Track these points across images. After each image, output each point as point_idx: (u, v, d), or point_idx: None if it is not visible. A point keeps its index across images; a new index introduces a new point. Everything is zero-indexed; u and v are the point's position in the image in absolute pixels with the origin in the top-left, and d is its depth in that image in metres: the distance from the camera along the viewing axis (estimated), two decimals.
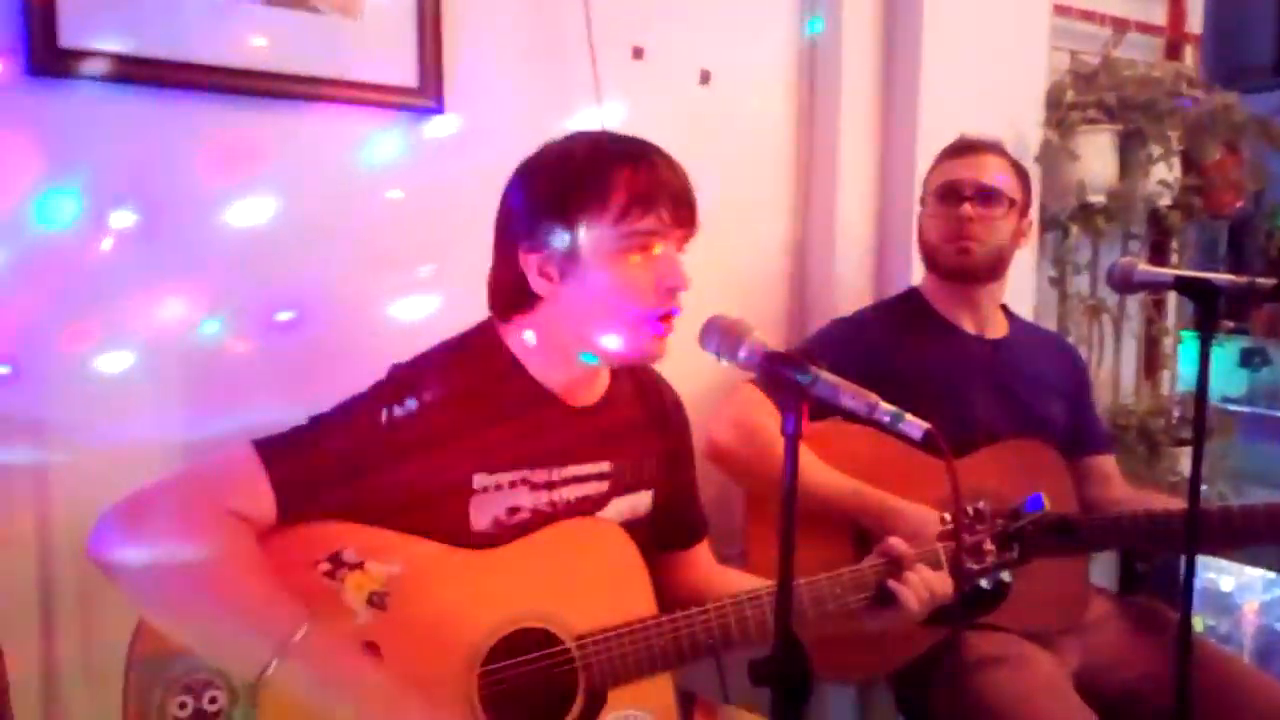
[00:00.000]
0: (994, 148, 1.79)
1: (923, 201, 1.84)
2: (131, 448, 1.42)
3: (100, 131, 1.39)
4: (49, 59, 1.33)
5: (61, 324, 1.39)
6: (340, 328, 1.58)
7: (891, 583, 1.30)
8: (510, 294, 1.21)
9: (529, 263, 1.17)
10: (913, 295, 1.86)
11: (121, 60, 1.38)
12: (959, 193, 1.74)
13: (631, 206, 1.14)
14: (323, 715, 1.03)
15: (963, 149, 1.79)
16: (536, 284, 1.17)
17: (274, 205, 1.52)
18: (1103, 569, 2.42)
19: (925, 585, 1.30)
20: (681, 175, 1.19)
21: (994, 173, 1.75)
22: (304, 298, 1.56)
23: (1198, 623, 1.38)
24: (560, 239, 1.15)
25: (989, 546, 1.38)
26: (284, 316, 1.55)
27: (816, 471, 1.57)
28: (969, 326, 1.79)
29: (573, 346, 1.20)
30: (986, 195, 1.73)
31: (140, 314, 1.44)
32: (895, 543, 1.33)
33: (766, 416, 1.60)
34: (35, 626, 1.39)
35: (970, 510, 1.39)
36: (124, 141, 1.41)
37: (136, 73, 1.40)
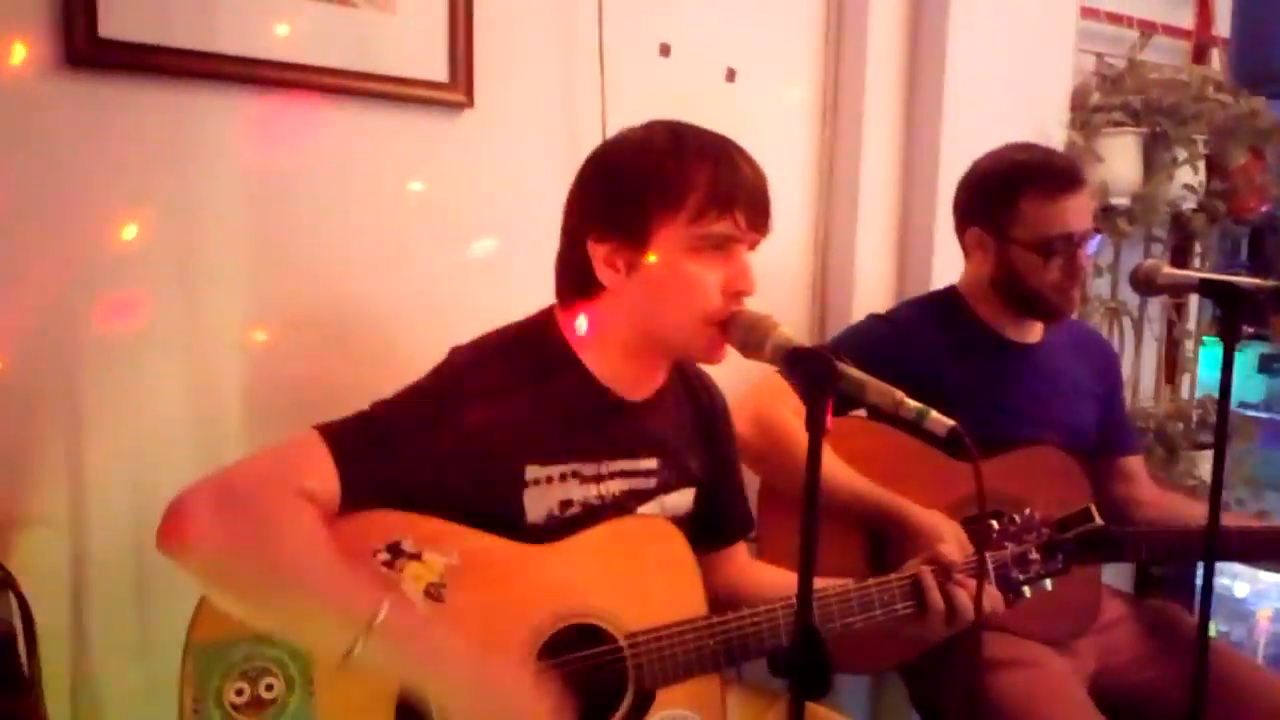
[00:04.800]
0: (1083, 174, 1.68)
1: (1002, 237, 1.66)
2: (166, 428, 1.45)
3: (137, 122, 1.41)
4: (89, 49, 1.35)
5: (95, 309, 1.40)
6: (370, 320, 1.60)
7: (938, 592, 1.27)
8: (574, 280, 1.19)
9: (596, 251, 1.15)
10: (952, 296, 1.79)
11: (159, 52, 1.40)
12: (1073, 243, 1.63)
13: (708, 207, 1.11)
14: (413, 688, 1.04)
15: (1066, 183, 1.63)
16: (602, 273, 1.15)
17: (306, 198, 1.54)
18: (1118, 571, 2.42)
19: (972, 597, 1.26)
20: (760, 175, 1.17)
21: (1090, 210, 1.68)
22: (333, 290, 1.58)
23: (1211, 628, 1.38)
24: (631, 231, 1.13)
25: (1034, 556, 1.39)
26: (309, 307, 1.56)
27: (835, 471, 1.56)
28: (1008, 333, 1.75)
29: (632, 340, 1.19)
30: (1087, 234, 1.65)
31: (173, 303, 1.46)
32: (945, 551, 1.31)
33: (787, 410, 1.60)
34: (66, 605, 1.41)
35: (1017, 518, 1.40)
36: (160, 132, 1.43)
37: (174, 64, 1.41)
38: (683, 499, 1.33)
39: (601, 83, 1.76)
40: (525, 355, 1.20)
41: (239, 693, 1.03)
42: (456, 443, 1.12)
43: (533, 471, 1.17)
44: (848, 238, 2.12)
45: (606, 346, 1.20)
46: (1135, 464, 1.88)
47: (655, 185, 1.12)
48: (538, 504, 1.17)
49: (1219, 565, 1.34)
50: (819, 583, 1.21)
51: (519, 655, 1.11)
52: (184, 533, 0.99)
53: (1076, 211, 1.63)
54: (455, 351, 1.21)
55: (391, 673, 1.03)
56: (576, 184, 1.20)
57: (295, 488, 1.04)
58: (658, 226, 1.12)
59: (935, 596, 1.27)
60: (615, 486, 1.23)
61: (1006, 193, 1.65)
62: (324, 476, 1.06)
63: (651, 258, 1.13)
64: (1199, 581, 1.34)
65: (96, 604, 1.43)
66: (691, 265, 1.13)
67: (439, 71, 1.61)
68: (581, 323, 1.19)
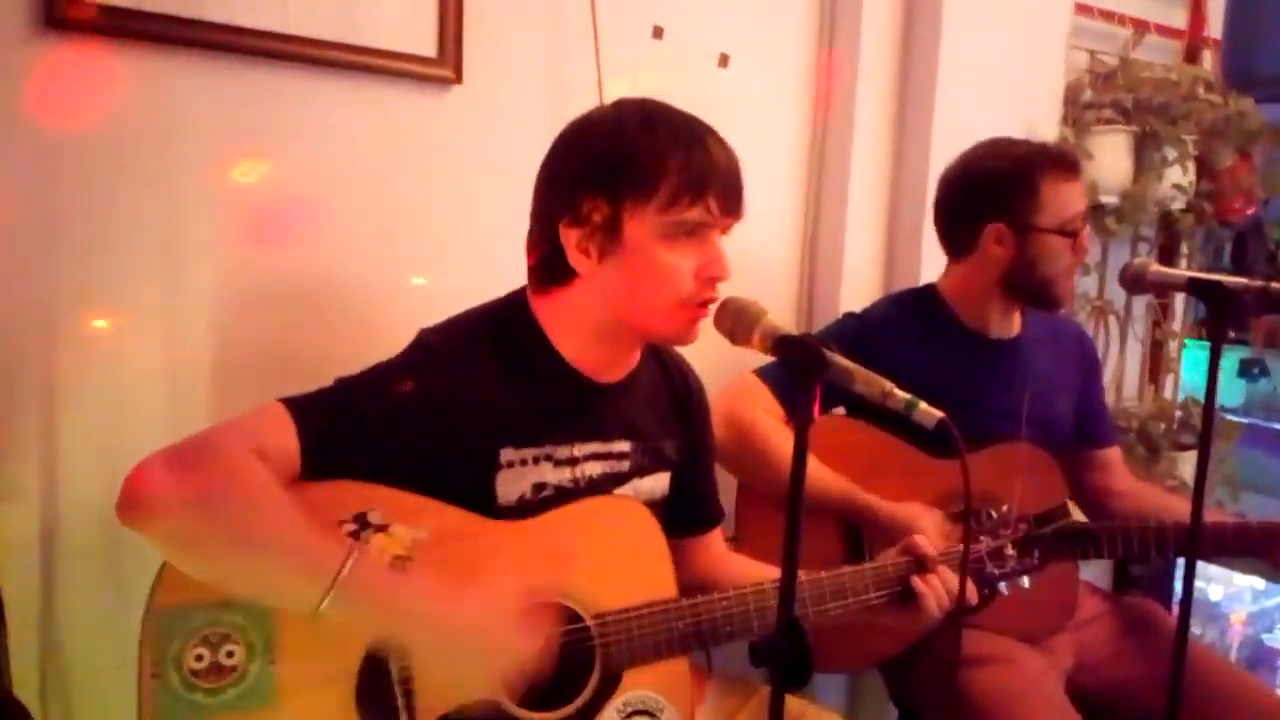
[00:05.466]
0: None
1: (1025, 228, 1.64)
2: (139, 404, 1.43)
3: (112, 88, 1.38)
4: (70, 13, 1.31)
5: (67, 282, 1.38)
6: (352, 297, 1.58)
7: (915, 580, 1.28)
8: (546, 265, 1.18)
9: (568, 237, 1.14)
10: (928, 295, 1.79)
11: (137, 16, 1.36)
12: (1084, 223, 1.67)
13: (681, 194, 1.11)
14: (386, 638, 1.05)
15: (1074, 165, 1.68)
16: (574, 259, 1.15)
17: (286, 171, 1.51)
18: (1097, 569, 2.44)
19: (947, 587, 1.28)
20: (733, 159, 1.16)
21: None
22: (315, 266, 1.56)
23: None
24: (604, 219, 1.12)
25: (1010, 552, 1.39)
26: (293, 283, 1.54)
27: (810, 471, 1.55)
28: (984, 330, 1.75)
29: (604, 324, 1.19)
30: (1087, 217, 1.69)
31: (149, 276, 1.43)
32: (920, 542, 1.31)
33: (761, 412, 1.60)
34: (35, 579, 1.39)
35: (993, 514, 1.39)
36: (136, 99, 1.39)
37: (151, 30, 1.38)
38: (657, 483, 1.32)
39: (597, 63, 1.74)
40: (496, 337, 1.19)
41: (199, 658, 1.02)
42: (424, 422, 1.12)
43: (507, 454, 1.17)
44: (837, 229, 2.11)
45: (579, 330, 1.20)
46: (1112, 455, 1.89)
47: (627, 171, 1.11)
48: (510, 486, 1.17)
49: (1196, 569, 1.34)
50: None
51: (497, 596, 1.09)
52: (141, 498, 0.99)
53: (1083, 192, 1.68)
54: (425, 332, 1.20)
55: (362, 624, 1.03)
56: (545, 167, 1.19)
57: (250, 447, 1.03)
58: (630, 213, 1.11)
59: (915, 584, 1.27)
60: (589, 470, 1.23)
61: (1026, 181, 1.64)
62: (283, 441, 1.06)
63: (624, 244, 1.12)
64: (1178, 581, 1.34)
65: (66, 576, 1.41)
66: (664, 252, 1.13)
67: (428, 46, 1.59)
68: (562, 310, 1.19)
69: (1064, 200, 1.64)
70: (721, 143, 1.16)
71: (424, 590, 1.05)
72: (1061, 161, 1.66)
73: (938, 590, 1.27)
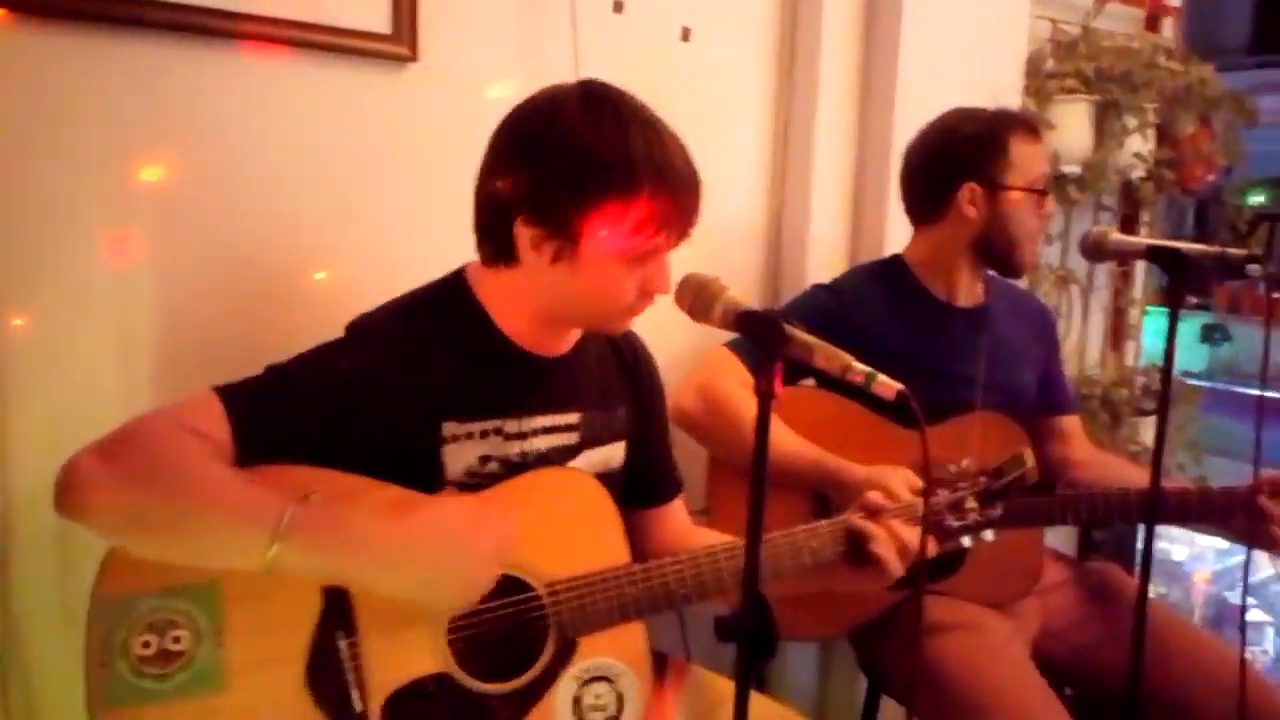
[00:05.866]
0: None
1: (996, 187, 1.69)
2: (89, 396, 1.40)
3: (53, 70, 1.34)
4: None
5: (7, 270, 1.34)
6: (305, 280, 1.55)
7: (864, 525, 1.27)
8: (493, 244, 1.18)
9: (523, 232, 1.13)
10: (895, 264, 1.82)
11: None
12: (1043, 185, 1.72)
13: (647, 225, 1.11)
14: (347, 582, 1.05)
15: (1034, 128, 1.75)
16: (524, 253, 1.14)
17: (236, 153, 1.48)
18: (1061, 536, 2.47)
19: (899, 537, 1.26)
20: (697, 183, 1.16)
21: None
22: (265, 251, 1.52)
23: (1149, 590, 1.43)
24: (565, 228, 1.11)
25: (971, 504, 1.37)
26: (247, 266, 1.51)
27: (779, 436, 1.56)
28: (951, 298, 1.77)
29: (541, 312, 1.20)
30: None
31: (93, 262, 1.39)
32: (873, 496, 1.31)
33: (734, 384, 1.60)
34: None
35: (953, 469, 1.38)
36: (77, 81, 1.35)
37: (95, 9, 1.34)
38: (611, 453, 1.32)
39: (574, 41, 1.71)
40: (434, 315, 1.20)
41: (145, 645, 1.02)
42: (359, 399, 1.11)
43: (450, 428, 1.17)
44: (802, 201, 2.10)
45: (518, 311, 1.21)
46: (1071, 424, 1.91)
47: (598, 193, 1.10)
48: (456, 460, 1.17)
49: (1159, 530, 1.36)
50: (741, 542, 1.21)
51: (416, 658, 1.10)
52: (74, 485, 1.00)
53: (1045, 156, 1.75)
54: (359, 317, 1.20)
55: (316, 562, 1.02)
56: (504, 147, 1.16)
57: (184, 427, 1.04)
58: (592, 230, 1.11)
59: (864, 527, 1.26)
60: (539, 444, 1.24)
61: (996, 141, 1.70)
62: (213, 425, 1.06)
63: (578, 256, 1.13)
64: (1140, 545, 1.36)
65: (21, 571, 1.38)
66: (615, 269, 1.14)
67: (381, 23, 1.56)
68: (502, 289, 1.20)
69: (1030, 160, 1.70)
70: (690, 163, 1.16)
71: (373, 516, 1.05)
72: (1026, 123, 1.74)
73: (892, 538, 1.25)
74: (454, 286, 1.23)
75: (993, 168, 1.69)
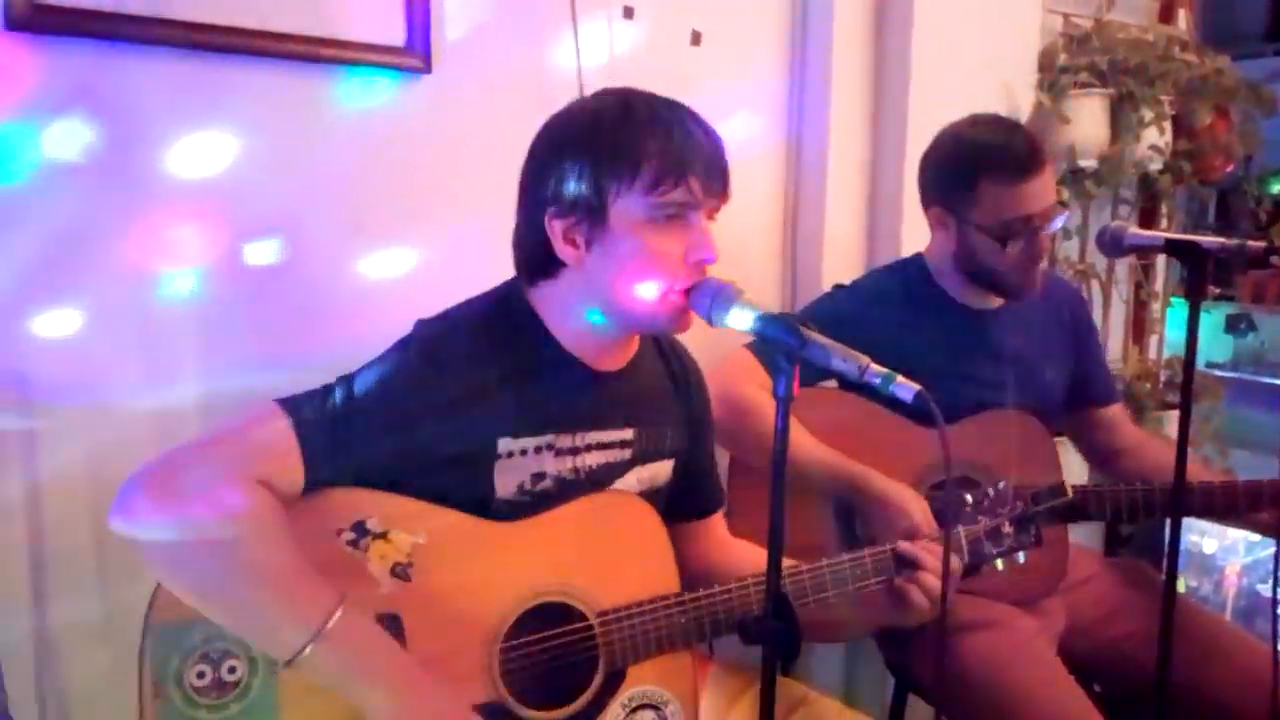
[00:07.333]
0: (1046, 153, 1.62)
1: (966, 221, 1.62)
2: (120, 407, 1.42)
3: (79, 88, 1.37)
4: (28, 13, 1.30)
5: (43, 284, 1.37)
6: (322, 288, 1.57)
7: (906, 586, 1.30)
8: (535, 258, 1.17)
9: (554, 229, 1.13)
10: (915, 266, 1.77)
11: (100, 17, 1.35)
12: (1033, 226, 1.59)
13: (663, 176, 1.09)
14: (350, 698, 1.02)
15: (1025, 167, 1.57)
16: (562, 250, 1.13)
17: (257, 165, 1.50)
18: (1088, 530, 2.45)
19: (932, 594, 1.29)
20: (716, 140, 1.15)
21: (1053, 188, 1.64)
22: (286, 260, 1.55)
23: (1180, 584, 1.41)
24: (588, 207, 1.11)
25: (1008, 530, 1.39)
26: (267, 278, 1.53)
27: (801, 442, 1.55)
28: (971, 301, 1.74)
29: (596, 309, 1.17)
30: (1048, 215, 1.61)
31: (124, 274, 1.42)
32: (907, 548, 1.32)
33: (754, 387, 1.60)
34: (26, 591, 1.39)
35: (991, 492, 1.40)
36: (104, 99, 1.39)
37: (116, 29, 1.37)
38: (661, 470, 1.32)
39: (576, 48, 1.72)
40: (495, 328, 1.18)
41: (200, 675, 1.01)
42: (425, 417, 1.10)
43: (505, 444, 1.15)
44: (817, 204, 2.10)
45: (575, 319, 1.18)
46: (1115, 412, 1.88)
47: (608, 157, 1.10)
48: (508, 477, 1.16)
49: (1188, 522, 1.35)
50: (790, 563, 1.23)
51: (485, 638, 1.10)
52: (135, 518, 0.98)
53: (1037, 193, 1.59)
54: (421, 324, 1.19)
55: (331, 680, 1.01)
56: (528, 161, 1.18)
57: (253, 474, 1.01)
58: (614, 199, 1.10)
59: (905, 589, 1.29)
60: (591, 460, 1.22)
61: (965, 177, 1.61)
62: (288, 463, 1.04)
63: (610, 232, 1.11)
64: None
65: (56, 587, 1.40)
66: (651, 236, 1.11)
67: (395, 36, 1.57)
68: (555, 301, 1.18)
69: (1004, 201, 1.58)
70: (702, 124, 1.15)
71: (397, 664, 1.03)
72: (1009, 162, 1.58)
73: (930, 592, 1.29)
74: (514, 298, 1.21)
75: (958, 200, 1.63)
